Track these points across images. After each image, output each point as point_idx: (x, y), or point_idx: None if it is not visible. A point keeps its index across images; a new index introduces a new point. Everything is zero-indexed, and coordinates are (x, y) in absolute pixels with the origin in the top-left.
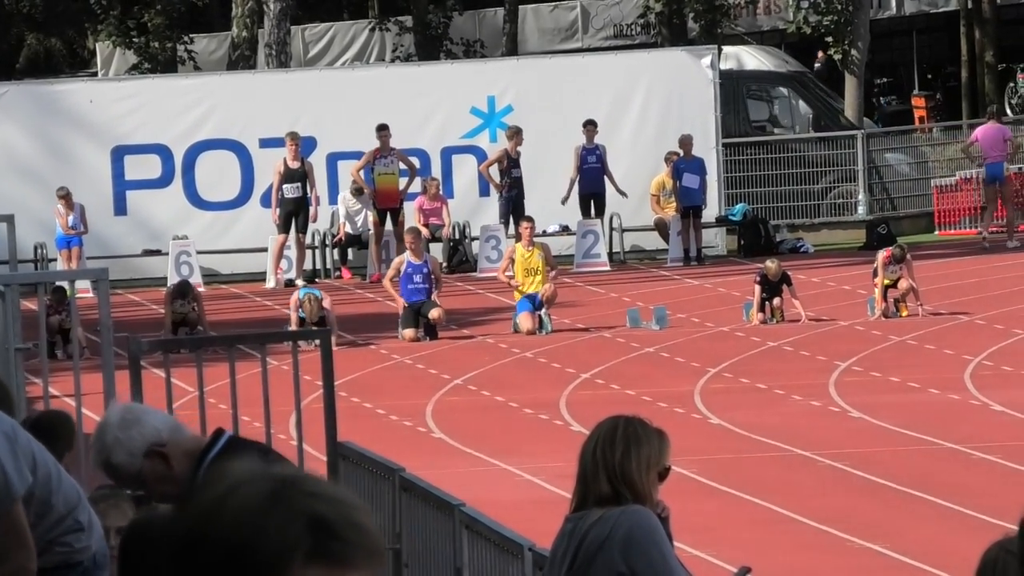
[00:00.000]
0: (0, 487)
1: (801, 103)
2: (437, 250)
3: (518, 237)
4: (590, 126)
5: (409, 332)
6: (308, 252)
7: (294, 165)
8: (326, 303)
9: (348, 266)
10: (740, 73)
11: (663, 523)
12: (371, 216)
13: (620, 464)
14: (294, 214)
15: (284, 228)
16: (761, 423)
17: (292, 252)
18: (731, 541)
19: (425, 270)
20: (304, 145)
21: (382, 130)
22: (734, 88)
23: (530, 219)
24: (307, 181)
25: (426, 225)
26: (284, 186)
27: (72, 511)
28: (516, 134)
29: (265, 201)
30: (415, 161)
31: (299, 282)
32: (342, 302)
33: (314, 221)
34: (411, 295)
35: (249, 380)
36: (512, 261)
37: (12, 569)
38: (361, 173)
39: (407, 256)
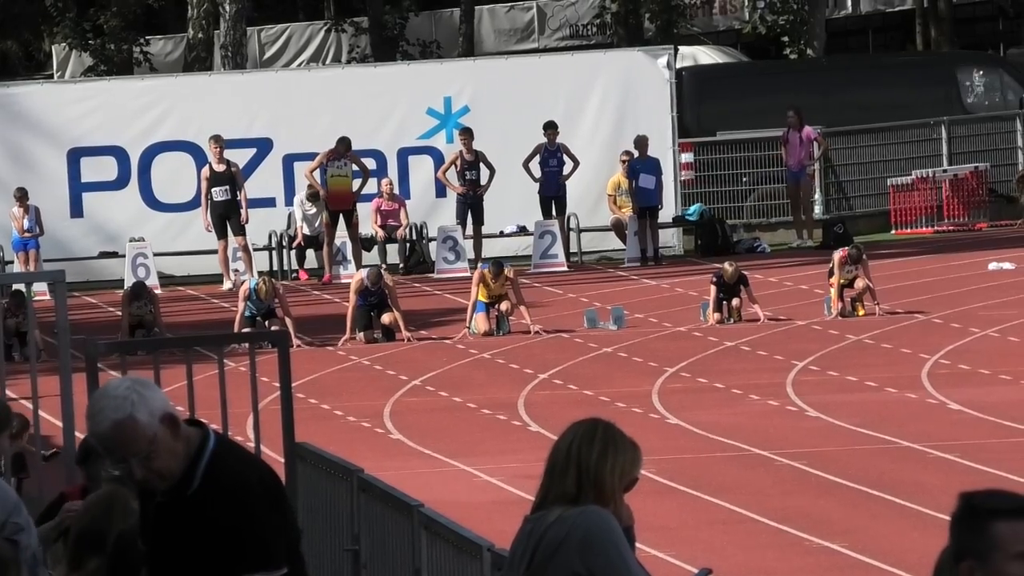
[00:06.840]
0: None
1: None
2: (393, 251)
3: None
4: (551, 129)
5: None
6: (264, 253)
7: (219, 168)
8: (281, 291)
9: (305, 268)
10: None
11: (626, 532)
12: (325, 218)
13: (595, 464)
14: (225, 217)
15: (220, 233)
16: (719, 423)
17: (242, 255)
18: (689, 541)
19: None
20: (260, 146)
21: (343, 142)
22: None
23: (500, 266)
24: (234, 184)
25: (384, 226)
26: (212, 190)
27: (11, 515)
28: (464, 135)
29: None
30: (368, 163)
31: (250, 277)
32: (299, 303)
33: (245, 223)
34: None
35: (206, 382)
36: (479, 288)
37: None
38: (315, 174)
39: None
